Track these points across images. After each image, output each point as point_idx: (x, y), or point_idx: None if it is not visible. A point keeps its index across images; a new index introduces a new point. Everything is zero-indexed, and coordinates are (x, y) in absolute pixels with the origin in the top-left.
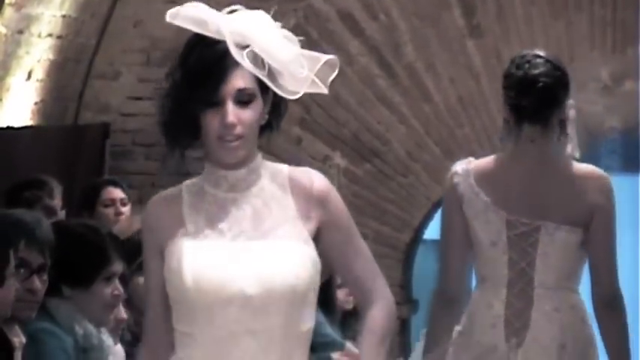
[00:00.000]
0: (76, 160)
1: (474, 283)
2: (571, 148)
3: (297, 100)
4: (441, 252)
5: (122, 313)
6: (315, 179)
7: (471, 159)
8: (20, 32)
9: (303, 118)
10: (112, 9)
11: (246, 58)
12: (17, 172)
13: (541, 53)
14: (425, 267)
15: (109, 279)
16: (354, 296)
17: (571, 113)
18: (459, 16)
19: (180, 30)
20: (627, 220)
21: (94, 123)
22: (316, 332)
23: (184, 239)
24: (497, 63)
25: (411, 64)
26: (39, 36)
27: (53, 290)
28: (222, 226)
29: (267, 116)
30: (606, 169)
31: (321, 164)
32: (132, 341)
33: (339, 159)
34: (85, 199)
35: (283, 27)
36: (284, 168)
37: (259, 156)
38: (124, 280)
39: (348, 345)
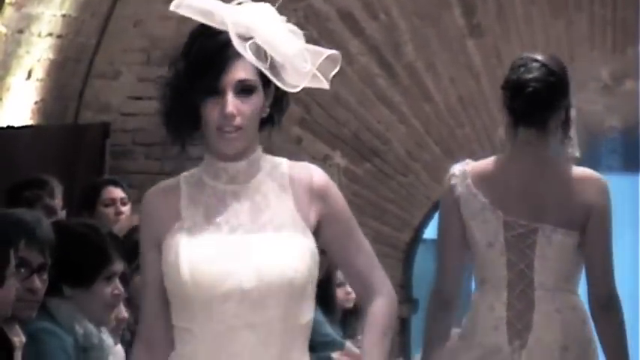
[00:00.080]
0: (76, 159)
1: (470, 284)
2: (571, 148)
3: (297, 99)
4: (438, 253)
5: (123, 312)
6: (314, 173)
7: (469, 161)
8: (20, 32)
9: (303, 118)
10: (112, 8)
11: (248, 50)
12: (17, 171)
13: (539, 57)
14: (425, 266)
15: (109, 278)
16: (356, 290)
17: (571, 113)
18: (459, 16)
19: (180, 29)
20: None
21: (94, 122)
22: (316, 332)
23: (181, 233)
24: (498, 62)
25: (411, 64)
26: (39, 35)
27: (54, 290)
28: (220, 219)
29: (268, 109)
30: (606, 168)
31: (321, 164)
32: (132, 341)
33: (339, 158)
34: (85, 198)
35: (288, 21)
36: (284, 161)
37: (260, 149)
38: (125, 279)
39: (348, 344)
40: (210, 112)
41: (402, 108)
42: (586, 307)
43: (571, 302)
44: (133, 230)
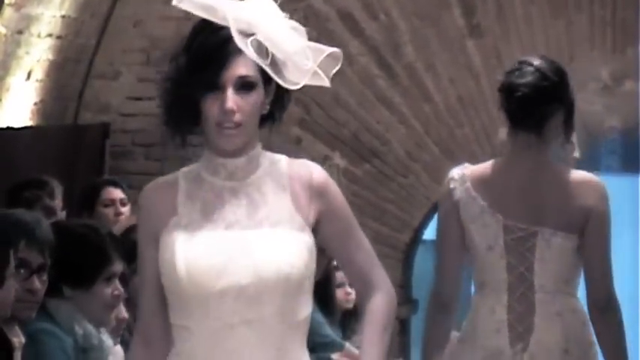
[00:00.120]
0: (75, 160)
1: (469, 287)
2: (572, 153)
3: (296, 100)
4: (437, 256)
5: (123, 312)
6: (314, 170)
7: (467, 164)
8: (20, 32)
9: (302, 119)
10: (112, 9)
11: (249, 46)
12: (17, 172)
13: (535, 62)
14: (424, 267)
15: (109, 279)
16: (355, 287)
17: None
18: (458, 16)
19: (180, 30)
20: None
21: (94, 123)
22: (316, 333)
23: (178, 230)
24: (497, 63)
25: (410, 64)
26: (39, 36)
27: (53, 290)
28: (217, 215)
29: (268, 106)
30: (606, 169)
31: (321, 164)
32: None
33: (338, 159)
34: (85, 199)
35: (291, 18)
36: (283, 158)
37: (259, 146)
38: (125, 279)
39: (348, 345)
40: (210, 107)
41: (402, 108)
42: (585, 309)
43: (571, 305)
44: (129, 230)
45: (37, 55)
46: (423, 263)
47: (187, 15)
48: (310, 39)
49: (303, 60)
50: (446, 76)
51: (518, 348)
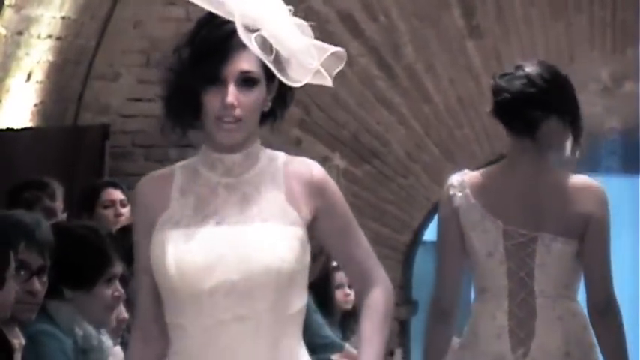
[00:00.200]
0: (75, 161)
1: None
2: (572, 164)
3: (296, 101)
4: (437, 262)
5: (123, 313)
6: (313, 168)
7: (466, 171)
8: (20, 34)
9: (302, 120)
10: (112, 10)
11: (253, 42)
12: (17, 173)
13: (527, 67)
14: (424, 268)
15: (109, 280)
16: (353, 283)
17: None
18: (458, 17)
19: (181, 31)
20: (627, 221)
21: (94, 124)
22: (316, 333)
23: (169, 226)
24: (497, 64)
25: (410, 65)
26: (39, 37)
27: (53, 292)
28: (209, 211)
29: (269, 103)
30: (606, 170)
31: (321, 165)
32: None
33: (338, 160)
34: (85, 200)
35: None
36: (281, 156)
37: (258, 142)
38: (125, 280)
39: (347, 346)
40: (211, 101)
41: (402, 109)
42: (585, 312)
43: (571, 309)
44: (124, 229)
45: (37, 56)
46: (423, 264)
47: (187, 16)
48: None
49: (308, 58)
50: (446, 77)
51: (520, 353)
